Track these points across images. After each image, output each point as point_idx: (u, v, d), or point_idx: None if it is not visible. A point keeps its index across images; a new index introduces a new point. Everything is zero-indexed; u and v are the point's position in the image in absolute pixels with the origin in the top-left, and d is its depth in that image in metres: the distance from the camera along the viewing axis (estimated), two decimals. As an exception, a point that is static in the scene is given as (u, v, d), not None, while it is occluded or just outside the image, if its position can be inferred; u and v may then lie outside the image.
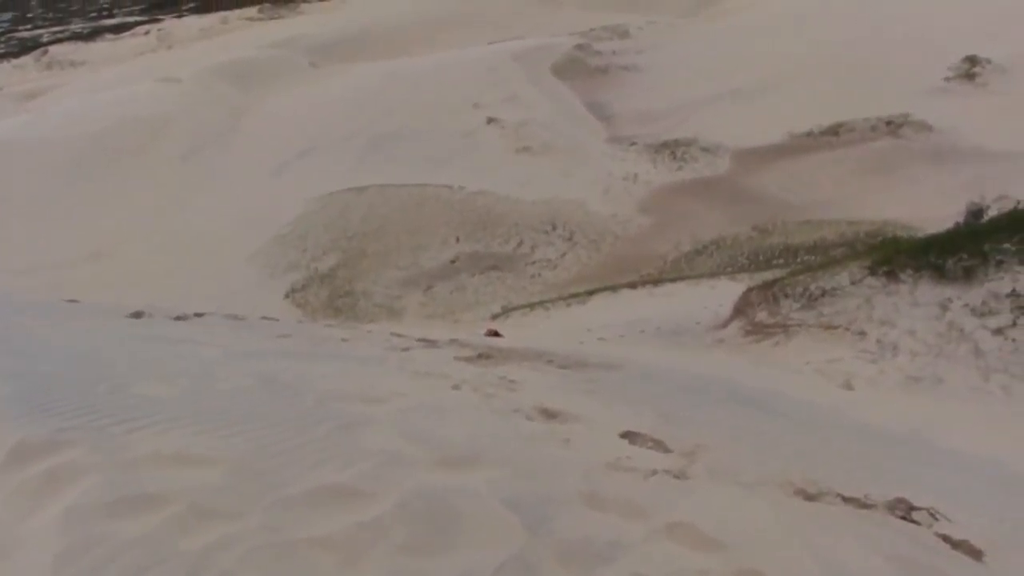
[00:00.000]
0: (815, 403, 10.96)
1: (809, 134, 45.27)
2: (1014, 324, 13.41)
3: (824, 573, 3.43)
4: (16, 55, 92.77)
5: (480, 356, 8.29)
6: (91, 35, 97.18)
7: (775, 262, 31.44)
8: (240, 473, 3.56)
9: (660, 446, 5.02)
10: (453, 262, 37.79)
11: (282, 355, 6.91)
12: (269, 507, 3.26)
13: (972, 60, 49.26)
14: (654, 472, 4.40)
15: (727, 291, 21.35)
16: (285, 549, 2.99)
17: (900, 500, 4.74)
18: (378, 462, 3.89)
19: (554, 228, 39.44)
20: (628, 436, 5.16)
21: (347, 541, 3.09)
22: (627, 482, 4.21)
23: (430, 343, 9.32)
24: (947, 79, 48.66)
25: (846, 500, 4.57)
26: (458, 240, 38.97)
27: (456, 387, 6.19)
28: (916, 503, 4.75)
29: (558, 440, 4.83)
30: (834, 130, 44.99)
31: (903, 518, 4.54)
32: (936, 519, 4.62)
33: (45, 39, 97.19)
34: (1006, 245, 14.63)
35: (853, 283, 15.52)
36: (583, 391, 7.21)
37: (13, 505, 3.31)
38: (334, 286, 36.71)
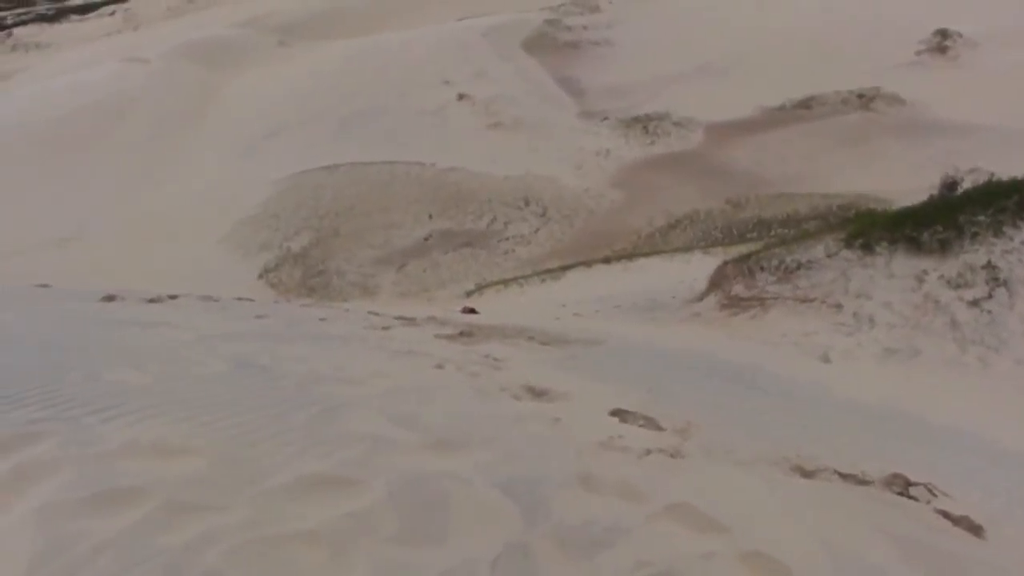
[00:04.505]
0: (795, 377, 10.90)
1: (781, 108, 45.35)
2: (990, 296, 13.41)
3: (832, 556, 3.31)
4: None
5: (461, 334, 8.15)
6: (56, 17, 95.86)
7: (749, 235, 31.45)
8: (220, 464, 3.40)
9: (652, 424, 4.91)
10: (426, 239, 37.60)
11: (259, 336, 6.74)
12: (252, 499, 3.11)
13: (943, 34, 49.38)
14: (648, 452, 4.29)
15: (702, 265, 21.32)
16: (271, 544, 2.84)
17: (896, 476, 4.64)
18: (364, 448, 3.75)
19: (527, 204, 39.30)
20: (618, 414, 5.04)
21: (335, 534, 2.94)
22: (622, 462, 4.08)
23: (409, 321, 9.17)
24: (919, 53, 48.80)
25: (843, 477, 4.47)
26: (431, 217, 38.77)
27: (439, 366, 6.05)
28: (912, 478, 4.66)
29: (547, 419, 4.71)
30: (806, 104, 45.07)
31: (901, 494, 4.44)
32: (934, 495, 4.52)
33: (9, 21, 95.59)
34: (981, 217, 14.63)
35: (828, 256, 15.47)
36: (567, 368, 7.09)
37: (-20, 503, 3.12)
38: (307, 265, 36.44)
